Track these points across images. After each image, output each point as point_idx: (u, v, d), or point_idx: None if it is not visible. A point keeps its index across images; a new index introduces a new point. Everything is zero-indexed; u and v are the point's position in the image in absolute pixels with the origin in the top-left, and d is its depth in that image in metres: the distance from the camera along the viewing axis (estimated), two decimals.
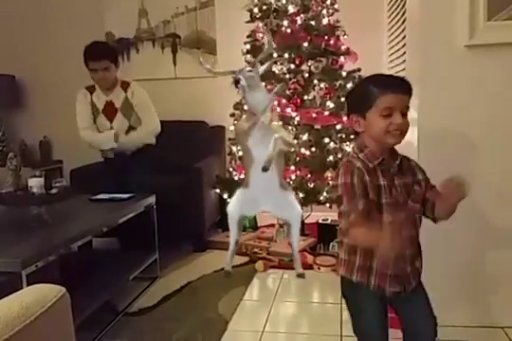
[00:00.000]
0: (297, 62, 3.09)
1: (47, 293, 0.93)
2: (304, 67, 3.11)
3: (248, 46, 3.18)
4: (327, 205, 3.03)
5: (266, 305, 2.33)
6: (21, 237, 1.89)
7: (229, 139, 3.42)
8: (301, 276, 2.66)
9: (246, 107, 3.18)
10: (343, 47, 3.13)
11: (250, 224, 3.40)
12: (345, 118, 3.07)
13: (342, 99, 3.07)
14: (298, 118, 3.01)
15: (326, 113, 3.02)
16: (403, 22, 2.54)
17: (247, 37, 3.23)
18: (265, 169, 2.40)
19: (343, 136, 3.09)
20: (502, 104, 1.87)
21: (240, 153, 3.23)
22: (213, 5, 3.79)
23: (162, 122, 3.05)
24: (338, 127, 3.06)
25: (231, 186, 3.22)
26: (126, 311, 2.29)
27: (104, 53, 2.79)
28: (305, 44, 3.05)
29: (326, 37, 3.09)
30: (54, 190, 2.58)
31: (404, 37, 2.50)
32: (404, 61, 2.47)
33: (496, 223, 1.91)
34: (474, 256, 1.96)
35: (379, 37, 3.37)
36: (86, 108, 2.88)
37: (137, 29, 3.96)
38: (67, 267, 2.02)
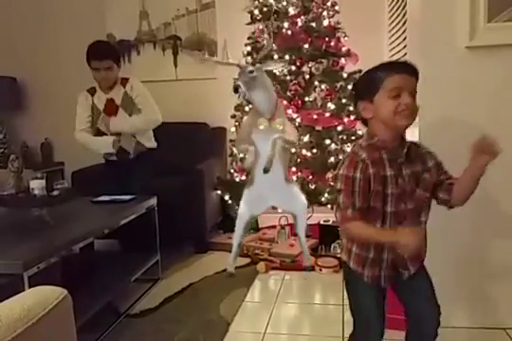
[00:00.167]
0: (297, 64, 3.10)
1: (49, 295, 0.94)
2: (305, 69, 3.11)
3: (249, 48, 3.19)
4: (328, 206, 3.03)
5: (268, 306, 2.33)
6: (22, 239, 1.89)
7: (231, 141, 3.43)
8: (308, 269, 2.66)
9: (247, 108, 3.19)
10: (344, 49, 3.14)
11: (252, 226, 3.39)
12: (346, 120, 3.08)
13: (343, 101, 3.08)
14: (299, 120, 3.02)
15: (327, 114, 3.03)
16: (404, 23, 2.55)
17: (248, 39, 3.23)
18: (265, 170, 2.41)
19: (344, 138, 3.09)
20: (503, 105, 1.87)
21: (241, 155, 3.24)
22: (214, 7, 3.79)
23: (163, 124, 3.04)
24: (340, 128, 3.06)
25: (233, 187, 3.23)
26: (128, 312, 2.29)
27: (107, 53, 2.79)
28: (306, 46, 3.06)
29: (327, 39, 3.10)
30: (55, 192, 2.59)
31: (405, 38, 2.51)
32: None
33: (500, 218, 1.91)
34: (476, 256, 1.95)
35: (380, 38, 3.37)
36: (86, 110, 2.88)
37: (137, 31, 3.97)
38: (69, 269, 2.02)
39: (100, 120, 2.88)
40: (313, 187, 3.02)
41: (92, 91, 2.89)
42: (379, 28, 3.38)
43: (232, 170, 3.38)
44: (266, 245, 3.10)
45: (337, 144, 3.06)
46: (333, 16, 3.16)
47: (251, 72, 2.40)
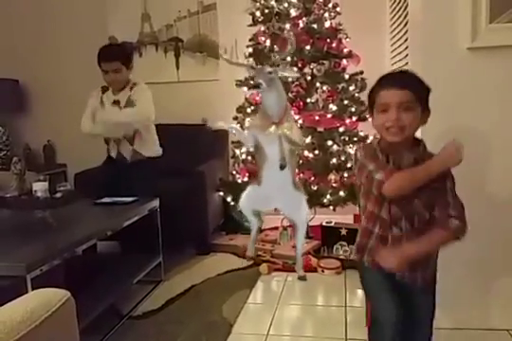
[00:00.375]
0: (299, 66, 3.10)
1: (52, 297, 0.94)
2: (307, 70, 3.11)
3: (251, 50, 3.19)
4: (331, 207, 3.03)
5: (271, 308, 2.33)
6: (25, 241, 1.90)
7: (232, 142, 3.43)
8: (302, 278, 2.67)
9: (249, 110, 3.20)
10: (346, 50, 3.14)
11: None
12: (348, 121, 3.08)
13: (345, 102, 3.07)
14: (301, 121, 3.01)
15: (329, 115, 3.03)
16: (405, 24, 2.55)
17: (250, 40, 3.23)
18: (282, 166, 2.47)
19: (346, 139, 3.09)
20: (505, 106, 1.87)
21: (243, 156, 3.24)
22: (216, 8, 3.80)
23: (165, 125, 3.05)
24: (341, 129, 3.06)
25: (235, 189, 3.23)
26: (130, 314, 2.29)
27: (116, 54, 2.80)
28: (308, 48, 3.05)
29: (328, 40, 3.09)
30: (58, 194, 2.60)
31: (406, 39, 2.51)
32: (406, 63, 2.47)
33: (503, 222, 1.91)
34: (479, 258, 1.95)
35: (382, 39, 3.37)
36: (93, 105, 2.89)
37: (139, 33, 3.97)
38: (72, 271, 2.02)
39: (104, 109, 2.88)
40: (315, 188, 3.02)
41: (105, 88, 2.90)
42: (381, 30, 3.38)
43: (234, 172, 3.38)
44: (269, 247, 3.10)
45: (338, 145, 3.06)
46: (334, 17, 3.16)
47: (270, 73, 2.45)
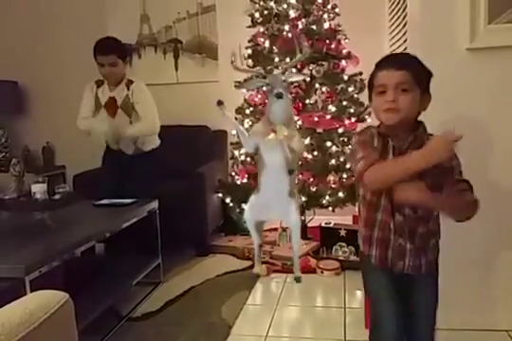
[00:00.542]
0: (298, 67, 3.10)
1: (51, 299, 0.94)
2: (306, 71, 3.11)
3: (250, 51, 3.19)
4: (330, 208, 3.03)
5: (270, 309, 2.33)
6: (24, 243, 1.89)
7: (232, 144, 3.43)
8: (297, 279, 2.68)
9: (247, 111, 3.20)
10: (344, 51, 3.14)
11: None
12: (347, 122, 3.08)
13: (344, 103, 3.08)
14: (300, 122, 3.01)
15: (328, 116, 3.03)
16: (404, 25, 2.55)
17: (249, 42, 3.23)
18: (290, 171, 2.51)
19: (345, 140, 3.09)
20: (503, 106, 1.87)
21: (242, 158, 3.24)
22: (215, 10, 3.80)
23: (164, 127, 3.04)
24: (340, 130, 3.06)
25: (234, 190, 3.23)
26: (129, 316, 2.29)
27: (112, 48, 2.79)
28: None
29: (327, 41, 3.10)
30: (57, 196, 2.60)
31: (405, 40, 2.51)
32: None
33: (503, 222, 1.91)
34: (479, 258, 1.95)
35: (380, 40, 3.37)
36: (90, 100, 2.88)
37: (138, 35, 3.98)
38: (71, 273, 2.02)
39: (100, 114, 2.87)
40: (314, 189, 3.02)
41: (99, 83, 2.89)
42: (380, 30, 3.38)
43: (233, 173, 3.38)
44: (268, 248, 3.10)
45: (337, 146, 3.06)
46: (333, 19, 3.16)
47: (284, 81, 2.49)
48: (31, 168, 3.73)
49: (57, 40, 4.06)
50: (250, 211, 2.70)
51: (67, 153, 4.07)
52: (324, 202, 3.01)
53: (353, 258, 2.82)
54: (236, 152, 3.30)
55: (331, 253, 2.96)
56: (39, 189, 2.51)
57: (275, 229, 3.29)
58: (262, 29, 3.19)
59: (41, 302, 0.91)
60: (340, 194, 2.98)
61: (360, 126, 3.12)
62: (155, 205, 2.60)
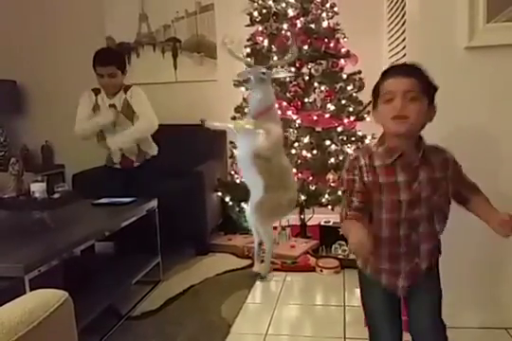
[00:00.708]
0: (297, 65, 3.10)
1: (50, 298, 0.94)
2: (305, 70, 3.11)
3: (249, 50, 3.19)
4: (329, 207, 3.03)
5: (269, 308, 2.33)
6: (23, 242, 1.89)
7: (231, 142, 3.43)
8: (261, 277, 2.67)
9: (246, 110, 3.19)
10: (343, 50, 3.14)
11: None
12: (346, 120, 3.08)
13: (343, 102, 3.08)
14: (299, 121, 3.02)
15: (327, 115, 3.03)
16: (403, 24, 2.55)
17: (248, 40, 3.23)
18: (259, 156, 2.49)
19: (344, 139, 3.09)
20: (502, 105, 1.88)
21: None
22: (213, 9, 3.80)
23: (163, 126, 3.04)
24: (339, 129, 3.06)
25: (233, 189, 3.23)
26: (129, 315, 2.29)
27: (112, 59, 2.82)
28: (305, 47, 3.06)
29: (326, 40, 3.10)
30: (56, 195, 2.59)
31: (404, 39, 2.51)
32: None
33: None
34: (479, 256, 1.95)
35: (379, 39, 3.37)
36: (88, 106, 2.89)
37: (137, 34, 3.97)
38: (70, 272, 2.02)
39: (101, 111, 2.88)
40: (313, 188, 3.02)
41: (97, 91, 2.90)
42: (379, 29, 3.38)
43: (233, 172, 3.38)
44: None
45: (337, 145, 3.06)
46: (332, 17, 3.16)
47: (263, 73, 2.50)
48: (30, 167, 3.73)
49: (56, 39, 4.05)
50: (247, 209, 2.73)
51: (66, 152, 4.07)
52: (323, 200, 3.01)
53: (352, 256, 2.82)
54: (235, 151, 3.30)
55: (330, 251, 2.96)
56: (38, 188, 2.51)
57: (274, 228, 3.29)
58: (260, 28, 3.19)
59: (40, 301, 0.91)
60: (340, 193, 2.97)
61: (359, 125, 3.12)
62: (154, 204, 2.60)
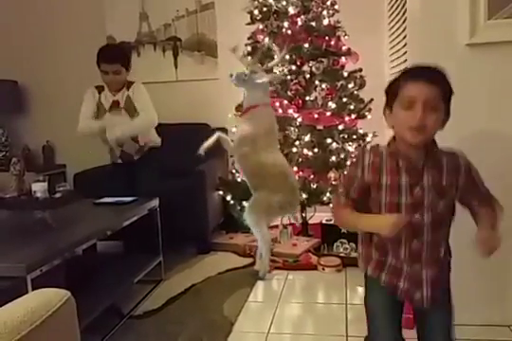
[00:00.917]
0: (298, 64, 3.10)
1: (52, 297, 0.94)
2: (306, 68, 3.11)
3: (249, 48, 3.18)
4: (330, 205, 3.02)
5: (271, 306, 2.33)
6: (25, 241, 1.89)
7: (232, 141, 3.42)
8: (259, 276, 2.68)
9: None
10: (344, 48, 3.13)
11: None
12: (347, 118, 3.08)
13: (344, 100, 3.07)
14: (300, 119, 3.01)
15: (328, 113, 3.03)
16: (403, 21, 2.54)
17: (248, 39, 3.23)
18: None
19: (346, 137, 3.09)
20: (504, 102, 1.87)
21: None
22: (214, 7, 3.80)
23: (164, 125, 3.05)
24: (341, 127, 3.06)
25: (234, 187, 3.23)
26: (131, 314, 2.29)
27: (117, 56, 2.81)
28: (306, 46, 3.05)
29: (327, 38, 3.09)
30: (58, 195, 2.59)
31: (405, 36, 2.51)
32: (405, 60, 2.47)
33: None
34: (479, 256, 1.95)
35: (380, 37, 3.37)
36: (92, 104, 2.89)
37: (137, 33, 3.97)
38: (72, 271, 2.02)
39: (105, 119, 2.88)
40: (314, 186, 3.02)
41: (100, 89, 2.90)
42: (379, 27, 3.38)
43: (234, 171, 3.38)
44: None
45: (338, 143, 3.06)
46: (333, 15, 3.16)
47: (245, 75, 2.61)
48: (32, 167, 3.73)
49: (56, 39, 4.06)
50: None
51: (68, 152, 4.07)
52: (325, 199, 3.01)
53: (354, 254, 2.82)
54: None
55: (332, 250, 2.96)
56: (39, 188, 2.51)
57: (276, 226, 3.29)
58: (261, 26, 3.19)
59: (43, 300, 0.91)
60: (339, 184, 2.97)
61: (361, 123, 3.12)
62: (155, 203, 2.60)
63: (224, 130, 3.68)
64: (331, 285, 2.58)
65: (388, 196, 1.27)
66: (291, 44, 2.99)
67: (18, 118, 4.18)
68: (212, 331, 2.08)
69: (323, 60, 3.08)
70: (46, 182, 2.59)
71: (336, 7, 3.16)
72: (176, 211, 2.89)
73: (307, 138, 3.01)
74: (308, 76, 3.09)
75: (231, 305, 2.33)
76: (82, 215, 2.42)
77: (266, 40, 3.10)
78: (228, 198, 3.30)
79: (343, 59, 3.14)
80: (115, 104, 2.86)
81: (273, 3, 3.12)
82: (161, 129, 3.03)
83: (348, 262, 2.75)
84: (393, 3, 2.95)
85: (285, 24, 3.06)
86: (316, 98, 3.09)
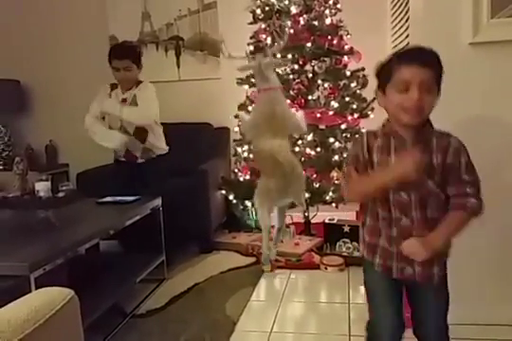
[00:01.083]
0: (300, 63, 3.09)
1: (56, 296, 0.94)
2: (308, 67, 3.11)
3: (252, 48, 3.18)
4: (333, 204, 3.03)
5: (274, 305, 2.33)
6: (28, 240, 1.90)
7: (234, 140, 3.43)
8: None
9: (250, 108, 3.19)
10: (347, 47, 3.13)
11: (256, 225, 3.39)
12: (350, 118, 3.08)
13: (347, 99, 3.07)
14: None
15: (331, 112, 3.02)
16: (406, 20, 2.54)
17: (251, 38, 3.22)
18: None
19: (348, 136, 3.09)
20: (507, 101, 1.87)
21: (245, 154, 3.24)
22: (216, 7, 3.79)
23: (167, 124, 3.04)
24: (343, 126, 3.06)
25: (237, 187, 3.23)
26: (134, 313, 2.30)
27: (127, 53, 2.82)
28: (309, 45, 3.05)
29: (329, 37, 3.09)
30: (61, 194, 2.60)
31: (407, 35, 2.50)
32: None
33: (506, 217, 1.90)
34: (481, 252, 1.95)
35: (383, 36, 3.36)
36: (102, 101, 2.88)
37: (140, 32, 3.97)
38: (75, 270, 2.02)
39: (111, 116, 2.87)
40: (317, 185, 3.01)
41: (114, 86, 2.91)
42: (382, 26, 3.37)
43: (236, 170, 3.38)
44: (271, 244, 3.09)
45: (340, 142, 3.06)
46: (335, 14, 3.15)
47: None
48: (35, 166, 3.74)
49: (59, 38, 4.06)
50: None
51: (70, 152, 4.08)
52: (328, 198, 3.00)
53: (356, 253, 2.82)
54: (239, 149, 3.30)
55: (335, 249, 2.96)
56: (42, 187, 2.51)
57: (272, 226, 3.28)
58: (263, 26, 3.18)
59: (46, 299, 0.91)
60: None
61: (363, 122, 3.12)
62: (158, 202, 2.61)
63: (226, 129, 3.70)
64: (333, 284, 2.58)
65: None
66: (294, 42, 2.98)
67: (21, 118, 4.19)
68: (215, 330, 2.09)
69: (326, 59, 3.08)
70: (49, 181, 2.59)
71: (338, 6, 3.16)
72: (179, 210, 2.89)
73: (310, 138, 3.00)
74: (311, 75, 3.08)
75: (234, 304, 2.34)
76: (85, 214, 2.43)
77: (269, 39, 3.10)
78: (231, 197, 3.30)
79: (346, 58, 3.13)
80: (123, 102, 2.86)
81: (275, 2, 3.12)
82: (164, 128, 3.02)
83: (351, 262, 2.75)
84: (395, 2, 2.94)
85: (288, 23, 3.06)
86: (318, 97, 3.09)
